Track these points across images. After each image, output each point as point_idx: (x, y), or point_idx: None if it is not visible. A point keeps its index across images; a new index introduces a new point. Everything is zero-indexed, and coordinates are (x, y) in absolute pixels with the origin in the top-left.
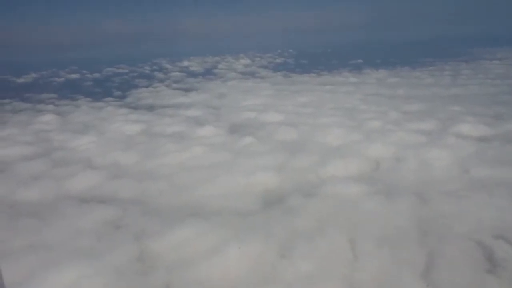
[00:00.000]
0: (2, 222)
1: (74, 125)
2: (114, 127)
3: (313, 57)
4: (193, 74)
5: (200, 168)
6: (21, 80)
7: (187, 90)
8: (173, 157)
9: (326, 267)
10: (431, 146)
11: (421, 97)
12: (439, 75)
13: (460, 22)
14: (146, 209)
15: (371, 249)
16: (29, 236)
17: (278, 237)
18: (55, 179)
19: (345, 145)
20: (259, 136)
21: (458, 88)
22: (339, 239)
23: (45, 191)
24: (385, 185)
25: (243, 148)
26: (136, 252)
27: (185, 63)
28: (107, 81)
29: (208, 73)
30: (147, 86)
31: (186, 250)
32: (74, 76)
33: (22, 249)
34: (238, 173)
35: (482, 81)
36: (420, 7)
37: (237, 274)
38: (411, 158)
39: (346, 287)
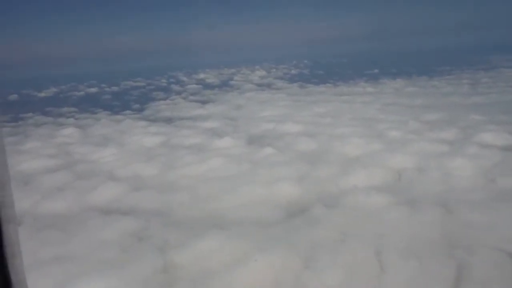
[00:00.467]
0: (27, 234)
1: (94, 138)
2: (133, 139)
3: (328, 68)
4: (209, 86)
5: (220, 179)
6: (42, 95)
7: (204, 102)
8: (193, 168)
9: (352, 279)
10: (454, 156)
11: (441, 106)
12: (458, 83)
13: (476, 29)
14: (168, 220)
15: (398, 261)
16: (54, 248)
17: (302, 248)
18: (78, 191)
19: (365, 155)
20: (278, 147)
21: (478, 97)
22: (365, 250)
23: (69, 203)
24: (408, 195)
25: (262, 159)
26: (160, 264)
27: (201, 76)
28: (125, 94)
29: (225, 85)
30: (164, 99)
31: (210, 261)
32: (93, 90)
33: (48, 260)
34: (258, 183)
35: (503, 89)
36: (434, 14)
37: (261, 285)
38: (434, 168)
39: None
